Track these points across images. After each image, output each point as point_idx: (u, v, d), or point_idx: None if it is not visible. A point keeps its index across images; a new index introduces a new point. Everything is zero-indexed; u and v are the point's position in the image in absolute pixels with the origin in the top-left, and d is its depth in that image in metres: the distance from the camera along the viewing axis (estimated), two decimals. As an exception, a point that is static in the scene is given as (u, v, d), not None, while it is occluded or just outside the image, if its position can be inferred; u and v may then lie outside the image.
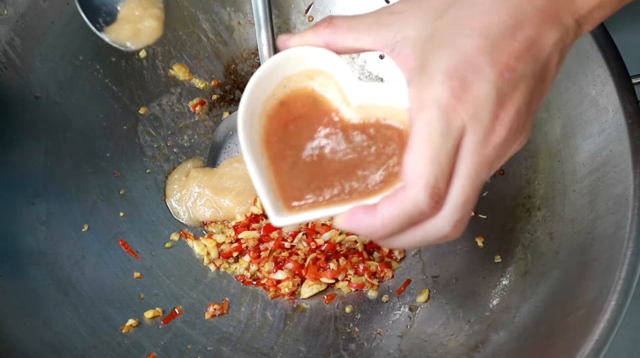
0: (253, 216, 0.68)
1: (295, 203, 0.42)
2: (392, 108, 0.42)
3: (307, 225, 0.68)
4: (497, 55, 0.36)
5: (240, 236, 0.68)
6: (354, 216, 0.40)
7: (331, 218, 0.43)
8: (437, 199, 0.37)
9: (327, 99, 0.44)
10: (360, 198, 0.41)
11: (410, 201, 0.37)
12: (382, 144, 0.42)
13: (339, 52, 0.42)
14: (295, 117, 0.43)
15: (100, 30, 0.61)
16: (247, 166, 0.41)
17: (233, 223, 0.69)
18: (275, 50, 0.70)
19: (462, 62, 0.36)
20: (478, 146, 0.37)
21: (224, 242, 0.69)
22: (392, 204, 0.38)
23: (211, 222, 0.70)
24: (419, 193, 0.36)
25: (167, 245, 0.69)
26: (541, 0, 0.38)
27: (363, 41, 0.41)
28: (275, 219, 0.41)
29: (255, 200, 0.69)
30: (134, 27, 0.63)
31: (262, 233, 0.68)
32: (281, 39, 0.44)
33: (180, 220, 0.70)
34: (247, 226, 0.68)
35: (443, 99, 0.36)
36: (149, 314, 0.64)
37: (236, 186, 0.69)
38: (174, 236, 0.69)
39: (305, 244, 0.67)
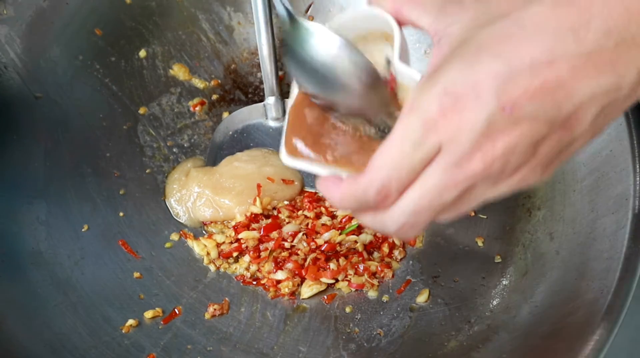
0: (253, 215, 0.68)
1: (300, 150, 0.44)
2: None
3: (307, 224, 0.68)
4: (509, 87, 0.34)
5: (240, 236, 0.68)
6: (325, 182, 0.41)
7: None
8: (384, 198, 0.38)
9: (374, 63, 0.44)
10: (344, 168, 0.43)
11: (360, 188, 0.38)
12: (389, 128, 0.42)
13: (400, 23, 0.42)
14: None
15: None
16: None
17: (233, 223, 0.69)
18: (275, 50, 0.70)
19: (469, 82, 0.35)
20: (448, 167, 0.36)
21: (223, 242, 0.69)
22: (349, 184, 0.39)
23: (211, 222, 0.70)
24: (370, 186, 0.38)
25: (167, 245, 0.69)
26: (594, 42, 0.34)
27: (423, 20, 0.40)
28: (284, 156, 0.44)
29: (254, 200, 0.69)
30: None
31: (262, 233, 0.68)
32: None
33: (180, 220, 0.70)
34: (247, 226, 0.68)
35: (430, 112, 0.35)
36: (148, 314, 0.64)
37: (236, 186, 0.69)
38: (174, 236, 0.69)
39: (305, 244, 0.67)
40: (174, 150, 0.73)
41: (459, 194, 0.37)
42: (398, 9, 0.42)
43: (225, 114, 0.75)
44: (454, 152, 0.35)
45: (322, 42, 0.46)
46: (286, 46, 0.48)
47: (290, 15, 0.49)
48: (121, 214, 0.69)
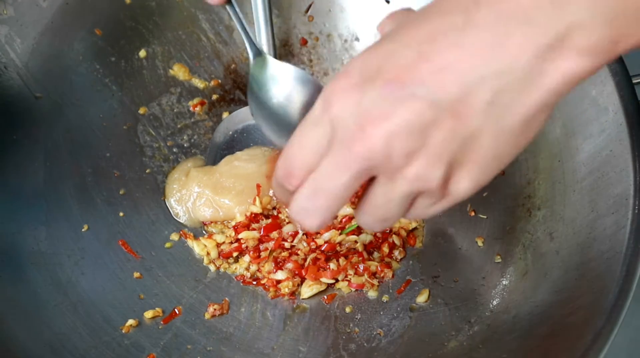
0: (253, 215, 0.68)
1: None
2: None
3: None
4: (390, 66, 0.33)
5: (240, 236, 0.68)
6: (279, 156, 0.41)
7: None
8: (288, 177, 0.38)
9: None
10: None
11: (276, 168, 0.40)
12: None
13: None
14: None
15: None
16: None
17: (233, 223, 0.69)
18: (275, 50, 0.70)
19: (358, 63, 0.35)
20: (337, 148, 0.35)
21: (223, 242, 0.69)
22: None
23: (211, 222, 0.70)
24: (280, 164, 0.39)
25: (167, 245, 0.69)
26: (483, 21, 0.32)
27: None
28: None
29: (254, 199, 0.69)
30: None
31: (262, 233, 0.68)
32: None
33: (179, 220, 0.70)
34: (247, 226, 0.68)
35: (327, 92, 0.35)
36: (148, 314, 0.64)
37: (236, 185, 0.69)
38: (174, 236, 0.69)
39: (305, 244, 0.67)
40: (174, 150, 0.73)
41: (352, 179, 0.36)
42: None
43: (225, 114, 0.75)
44: (341, 133, 0.35)
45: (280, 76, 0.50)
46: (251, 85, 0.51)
47: (257, 50, 0.53)
48: (121, 214, 0.69)
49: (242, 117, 0.74)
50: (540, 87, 0.32)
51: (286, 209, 0.40)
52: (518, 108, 0.33)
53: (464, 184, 0.36)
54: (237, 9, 0.58)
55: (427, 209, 0.38)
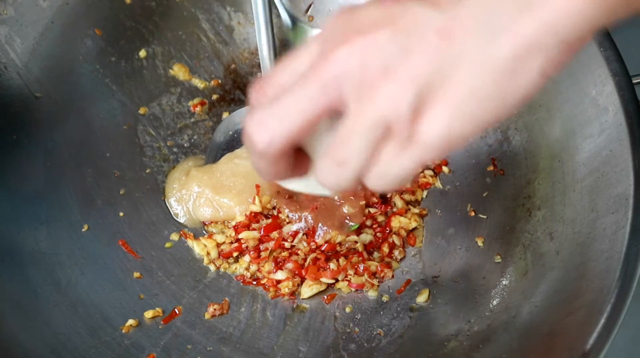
0: (253, 214, 0.68)
1: None
2: None
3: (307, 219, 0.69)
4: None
5: (240, 236, 0.68)
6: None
7: None
8: (257, 92, 0.36)
9: None
10: None
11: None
12: None
13: None
14: None
15: None
16: None
17: (233, 223, 0.69)
18: (275, 50, 0.70)
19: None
20: (315, 61, 0.34)
21: (224, 242, 0.69)
22: None
23: (211, 222, 0.70)
24: (257, 83, 0.37)
25: (167, 245, 0.69)
26: None
27: None
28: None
29: (254, 199, 0.69)
30: None
31: (262, 233, 0.68)
32: None
33: (179, 221, 0.70)
34: (247, 226, 0.68)
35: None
36: (148, 314, 0.64)
37: (236, 185, 0.69)
38: (174, 236, 0.69)
39: (305, 244, 0.67)
40: (174, 150, 0.73)
41: (317, 94, 0.33)
42: None
43: (225, 114, 0.75)
44: (325, 46, 0.34)
45: None
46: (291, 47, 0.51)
47: (292, 19, 0.52)
48: (121, 214, 0.69)
49: (242, 117, 0.74)
50: (536, 16, 0.30)
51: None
52: (508, 38, 0.31)
53: (434, 125, 0.32)
54: None
55: (392, 162, 0.34)
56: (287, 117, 0.34)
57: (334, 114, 0.34)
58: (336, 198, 0.68)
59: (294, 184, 0.42)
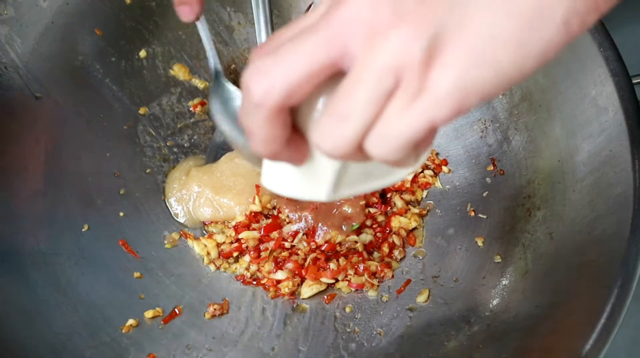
0: (253, 214, 0.68)
1: None
2: None
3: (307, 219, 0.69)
4: None
5: (240, 236, 0.68)
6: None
7: None
8: (261, 48, 0.33)
9: None
10: None
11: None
12: None
13: None
14: None
15: None
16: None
17: (233, 223, 0.69)
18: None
19: None
20: (325, 11, 0.31)
21: (224, 242, 0.69)
22: None
23: (211, 222, 0.70)
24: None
25: (167, 245, 0.69)
26: None
27: None
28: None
29: (254, 198, 0.69)
30: None
31: (262, 233, 0.68)
32: None
33: (179, 221, 0.70)
34: (247, 226, 0.68)
35: None
36: (149, 314, 0.64)
37: (236, 184, 0.69)
38: (174, 236, 0.69)
39: (305, 244, 0.67)
40: (174, 150, 0.73)
41: (323, 44, 0.30)
42: None
43: (225, 114, 0.75)
44: (329, 3, 0.31)
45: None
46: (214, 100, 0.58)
47: (217, 74, 0.59)
48: (121, 214, 0.69)
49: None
50: None
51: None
52: None
53: (448, 72, 0.29)
54: (206, 26, 0.59)
55: (398, 118, 0.30)
56: (289, 65, 0.31)
57: (336, 78, 0.32)
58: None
59: (286, 187, 0.40)
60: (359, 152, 0.32)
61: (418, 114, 0.30)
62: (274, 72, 0.31)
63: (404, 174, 0.40)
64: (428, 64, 0.29)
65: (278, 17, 0.75)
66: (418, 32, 0.29)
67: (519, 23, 0.29)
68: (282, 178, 0.39)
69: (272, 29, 0.69)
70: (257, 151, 0.35)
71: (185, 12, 0.55)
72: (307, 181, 0.38)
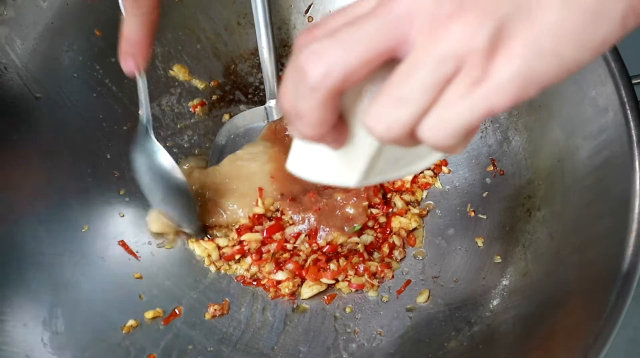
0: (256, 216, 0.68)
1: None
2: None
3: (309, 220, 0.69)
4: None
5: (242, 238, 0.67)
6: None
7: None
8: (308, 35, 0.33)
9: None
10: None
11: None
12: None
13: None
14: None
15: None
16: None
17: (236, 226, 0.69)
18: (276, 52, 0.70)
19: None
20: (378, 3, 0.32)
21: (226, 245, 0.68)
22: None
23: (215, 226, 0.70)
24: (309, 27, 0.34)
25: (167, 245, 0.69)
26: None
27: None
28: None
29: (257, 201, 0.69)
30: None
31: (264, 235, 0.68)
32: None
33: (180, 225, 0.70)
34: (250, 229, 0.68)
35: None
36: (149, 314, 0.64)
37: (240, 187, 0.69)
38: (175, 237, 0.69)
39: (307, 245, 0.67)
40: (174, 150, 0.73)
41: (384, 27, 0.30)
42: None
43: (225, 115, 0.75)
44: None
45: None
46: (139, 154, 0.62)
47: (146, 129, 0.61)
48: (121, 215, 0.69)
49: (244, 120, 0.74)
50: None
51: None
52: None
53: (512, 62, 0.29)
54: (145, 83, 0.61)
55: (457, 104, 0.30)
56: (350, 48, 0.31)
57: (390, 64, 0.32)
58: (339, 198, 0.68)
59: (315, 172, 0.39)
60: (409, 136, 0.32)
61: (479, 100, 0.30)
62: (333, 55, 0.31)
63: (430, 163, 0.40)
64: (491, 52, 0.29)
65: (278, 17, 0.75)
66: (482, 21, 0.29)
67: (583, 16, 0.29)
68: (312, 163, 0.39)
69: (272, 29, 0.69)
70: (302, 133, 0.34)
71: (128, 64, 0.57)
72: (339, 166, 0.38)
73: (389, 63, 0.32)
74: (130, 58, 0.56)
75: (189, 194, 0.65)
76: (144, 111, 0.62)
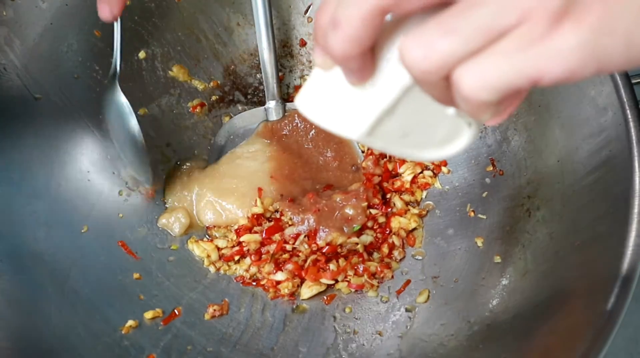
0: (255, 216, 0.68)
1: None
2: None
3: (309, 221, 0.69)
4: None
5: (242, 239, 0.67)
6: None
7: None
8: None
9: None
10: None
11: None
12: None
13: None
14: None
15: None
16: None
17: (235, 227, 0.69)
18: (276, 53, 0.70)
19: None
20: None
21: (225, 246, 0.68)
22: None
23: (214, 226, 0.70)
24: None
25: (173, 246, 0.69)
26: None
27: None
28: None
29: (256, 201, 0.69)
30: None
31: (264, 235, 0.67)
32: None
33: (180, 221, 0.70)
34: (249, 229, 0.68)
35: None
36: (148, 315, 0.64)
37: (239, 187, 0.69)
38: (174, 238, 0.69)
39: (306, 246, 0.67)
40: (174, 151, 0.73)
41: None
42: None
43: (225, 116, 0.75)
44: None
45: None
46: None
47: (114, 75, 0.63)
48: (121, 215, 0.69)
49: (243, 120, 0.74)
50: None
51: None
52: None
53: (578, 31, 0.27)
54: (119, 32, 0.64)
55: (506, 57, 0.28)
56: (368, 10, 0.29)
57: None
58: (338, 199, 0.68)
59: (322, 115, 0.37)
60: (440, 77, 0.30)
61: (530, 60, 0.28)
62: (351, 22, 0.29)
63: (434, 157, 0.39)
64: (562, 15, 0.27)
65: (277, 17, 0.75)
66: None
67: None
68: (323, 102, 0.37)
69: (272, 30, 0.69)
70: (332, 48, 0.31)
71: (104, 11, 0.60)
72: (349, 112, 0.36)
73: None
74: (106, 5, 0.60)
75: (141, 143, 0.65)
76: (117, 59, 0.64)
